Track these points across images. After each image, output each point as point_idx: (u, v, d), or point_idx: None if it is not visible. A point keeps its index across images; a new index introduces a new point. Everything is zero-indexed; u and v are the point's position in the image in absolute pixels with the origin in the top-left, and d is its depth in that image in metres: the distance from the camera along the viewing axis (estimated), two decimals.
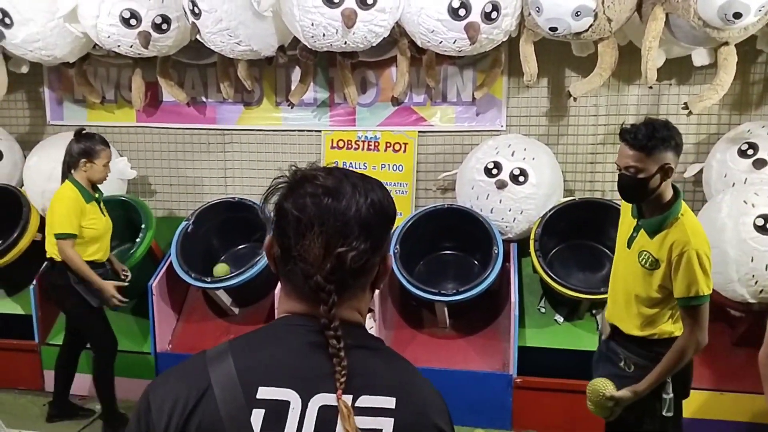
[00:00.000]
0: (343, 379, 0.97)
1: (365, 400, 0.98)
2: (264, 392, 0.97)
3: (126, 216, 4.30)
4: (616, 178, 2.40)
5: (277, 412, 0.96)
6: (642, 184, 2.29)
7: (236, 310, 4.31)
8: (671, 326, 2.43)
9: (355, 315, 1.07)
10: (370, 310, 1.02)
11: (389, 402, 0.98)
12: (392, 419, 0.97)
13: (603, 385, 2.44)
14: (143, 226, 4.13)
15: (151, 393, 1.01)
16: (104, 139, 3.61)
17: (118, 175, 4.47)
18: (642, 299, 2.41)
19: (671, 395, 2.42)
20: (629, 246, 2.46)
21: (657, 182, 2.30)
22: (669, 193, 2.35)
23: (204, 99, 4.61)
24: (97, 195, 3.61)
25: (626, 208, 2.56)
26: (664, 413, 2.42)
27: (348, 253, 0.98)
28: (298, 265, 1.00)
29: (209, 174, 4.73)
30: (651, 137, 2.26)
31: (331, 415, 0.96)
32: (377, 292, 1.12)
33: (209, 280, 3.99)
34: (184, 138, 4.71)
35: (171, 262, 4.10)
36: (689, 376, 2.54)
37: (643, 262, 2.37)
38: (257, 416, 0.96)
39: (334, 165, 1.10)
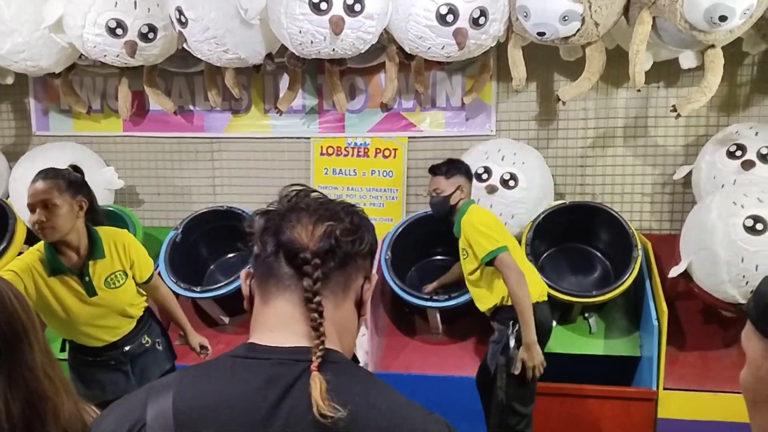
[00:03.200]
0: (320, 353, 0.93)
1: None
2: None
3: (113, 226, 4.24)
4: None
5: None
6: (445, 201, 3.12)
7: (226, 320, 4.28)
8: (493, 297, 3.08)
9: (336, 344, 1.01)
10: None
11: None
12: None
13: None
14: None
15: (93, 429, 0.96)
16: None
17: (105, 185, 4.45)
18: (471, 281, 3.16)
19: (516, 353, 2.91)
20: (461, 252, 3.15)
21: (456, 199, 3.11)
22: (464, 204, 3.13)
23: (191, 107, 4.58)
24: None
25: None
26: (512, 370, 2.92)
27: (337, 226, 0.99)
28: (280, 255, 1.00)
29: (197, 183, 4.70)
30: (448, 167, 3.16)
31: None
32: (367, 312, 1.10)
33: (198, 289, 3.95)
34: (171, 147, 4.68)
35: (159, 272, 4.05)
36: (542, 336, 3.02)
37: (463, 257, 3.13)
38: None
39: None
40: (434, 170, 3.18)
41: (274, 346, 0.97)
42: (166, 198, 4.75)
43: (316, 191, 1.08)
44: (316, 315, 0.95)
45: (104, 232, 2.59)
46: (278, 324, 1.00)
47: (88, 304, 2.51)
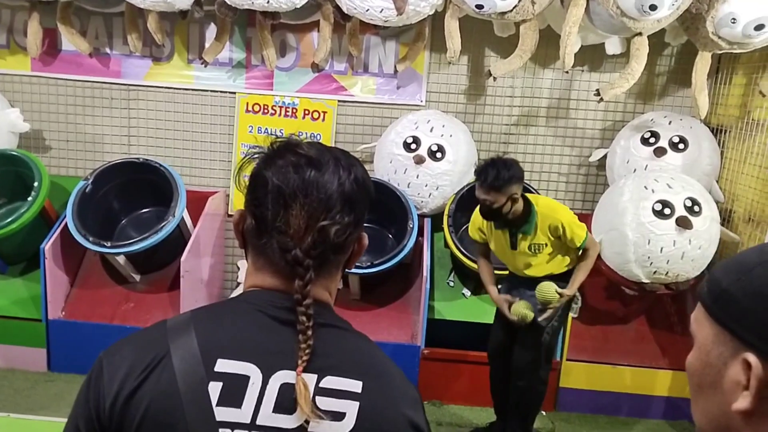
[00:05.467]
0: (306, 357, 0.92)
1: (330, 381, 0.94)
2: (223, 365, 0.92)
3: (16, 172, 3.97)
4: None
5: (235, 386, 0.92)
6: (498, 211, 2.90)
7: (137, 277, 4.11)
8: (568, 260, 3.11)
9: (325, 294, 1.03)
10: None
11: (355, 385, 0.94)
12: (357, 403, 0.93)
13: (550, 286, 2.98)
14: (36, 184, 3.81)
15: (105, 359, 0.95)
16: None
17: (8, 127, 4.13)
18: (547, 266, 3.08)
19: (580, 304, 3.19)
20: (514, 248, 3.07)
21: (509, 207, 2.90)
22: (521, 205, 2.95)
23: (108, 51, 4.30)
24: None
25: (486, 224, 3.12)
26: (573, 315, 3.23)
27: (332, 226, 0.95)
28: (274, 238, 0.96)
29: (111, 132, 4.43)
30: (497, 179, 2.83)
31: (294, 393, 0.91)
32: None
33: (108, 244, 3.76)
34: (84, 91, 4.38)
35: (66, 224, 3.82)
36: None
37: (533, 251, 3.05)
38: (214, 388, 0.91)
39: (315, 139, 1.07)
40: (482, 182, 2.86)
41: (279, 289, 0.99)
42: (76, 146, 4.45)
43: (303, 143, 1.00)
44: (304, 318, 0.94)
45: None
46: (273, 285, 1.00)
47: None
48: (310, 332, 0.93)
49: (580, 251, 3.07)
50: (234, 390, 0.91)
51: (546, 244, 3.03)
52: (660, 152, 3.79)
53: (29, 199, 3.78)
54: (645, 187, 3.55)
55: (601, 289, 4.05)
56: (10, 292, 3.96)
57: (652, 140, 3.86)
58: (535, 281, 3.08)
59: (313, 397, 0.92)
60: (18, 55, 4.31)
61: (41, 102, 4.39)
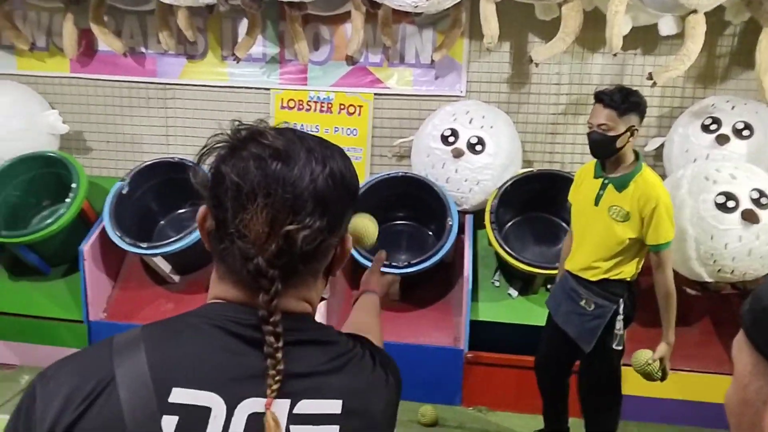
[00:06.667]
0: (276, 386, 0.80)
1: (305, 406, 0.82)
2: (179, 395, 0.79)
3: (56, 174, 3.99)
4: (587, 138, 2.66)
5: (193, 419, 0.79)
6: (612, 141, 2.57)
7: (176, 278, 4.07)
8: (633, 268, 2.71)
9: (302, 305, 0.90)
10: (323, 299, 0.93)
11: (335, 406, 0.83)
12: (336, 427, 0.82)
13: (643, 355, 2.75)
14: (74, 185, 3.82)
15: (39, 385, 0.81)
16: None
17: (48, 129, 4.17)
18: (611, 247, 2.66)
19: (622, 331, 2.75)
20: (597, 203, 2.70)
21: (624, 141, 2.58)
22: (631, 154, 2.65)
23: (143, 50, 4.27)
24: None
25: (586, 171, 2.82)
26: (614, 346, 2.76)
27: (299, 231, 0.81)
28: (235, 244, 0.82)
29: (149, 131, 4.42)
30: (625, 100, 2.55)
31: (264, 425, 0.79)
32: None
33: (145, 245, 3.73)
34: (121, 91, 4.38)
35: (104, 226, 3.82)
36: (633, 312, 2.83)
37: (614, 216, 2.64)
38: (169, 423, 0.78)
39: (285, 125, 0.91)
40: (605, 100, 2.56)
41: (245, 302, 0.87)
42: (115, 146, 4.46)
43: (270, 132, 0.86)
44: (272, 338, 0.81)
45: None
46: (236, 298, 0.88)
47: None
48: (279, 355, 0.81)
49: (638, 258, 2.69)
50: (192, 424, 0.79)
51: (627, 215, 2.59)
52: (722, 140, 3.49)
53: (67, 200, 3.80)
54: (706, 178, 3.27)
55: None
56: (52, 293, 3.99)
57: (713, 127, 3.55)
58: (586, 286, 2.76)
59: (287, 427, 0.80)
60: (57, 57, 4.34)
61: (80, 103, 4.42)
